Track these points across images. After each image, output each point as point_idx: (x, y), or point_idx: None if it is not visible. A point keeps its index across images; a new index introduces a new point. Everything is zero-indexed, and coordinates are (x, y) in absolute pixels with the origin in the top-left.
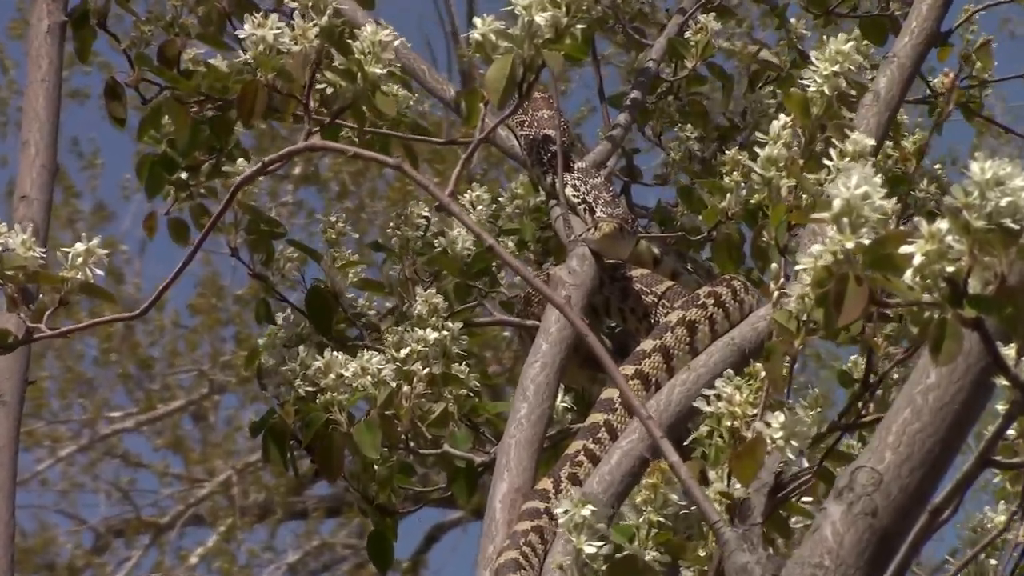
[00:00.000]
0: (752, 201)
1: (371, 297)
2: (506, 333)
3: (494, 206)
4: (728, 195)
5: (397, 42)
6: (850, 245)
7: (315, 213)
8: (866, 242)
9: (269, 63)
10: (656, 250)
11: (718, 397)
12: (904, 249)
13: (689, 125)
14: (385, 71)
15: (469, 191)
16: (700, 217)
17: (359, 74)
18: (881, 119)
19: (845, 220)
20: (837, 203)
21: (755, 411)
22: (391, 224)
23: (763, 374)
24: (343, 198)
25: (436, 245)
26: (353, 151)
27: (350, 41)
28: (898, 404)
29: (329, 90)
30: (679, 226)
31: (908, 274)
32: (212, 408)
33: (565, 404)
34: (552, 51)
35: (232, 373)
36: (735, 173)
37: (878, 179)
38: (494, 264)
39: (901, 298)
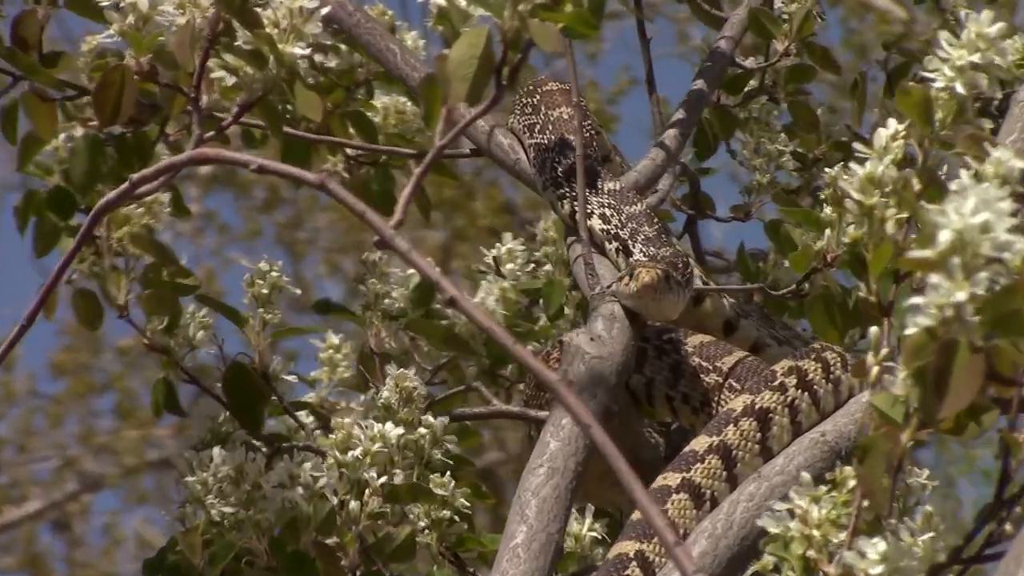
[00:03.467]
0: (847, 238)
1: (330, 377)
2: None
3: (532, 265)
4: (827, 231)
5: (326, 10)
6: (962, 297)
7: (230, 229)
8: (985, 293)
9: (142, 41)
10: (729, 310)
11: (790, 513)
12: None
13: (784, 135)
14: (308, 51)
15: (497, 245)
16: (787, 262)
17: (271, 57)
18: None
19: (955, 261)
20: (945, 237)
21: (842, 535)
22: (356, 273)
23: (852, 482)
24: (272, 208)
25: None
26: (258, 164)
27: (259, 10)
28: (1008, 562)
29: (230, 79)
30: (767, 279)
31: None
32: (81, 513)
33: (594, 534)
34: (543, 21)
35: (112, 461)
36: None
37: (1006, 205)
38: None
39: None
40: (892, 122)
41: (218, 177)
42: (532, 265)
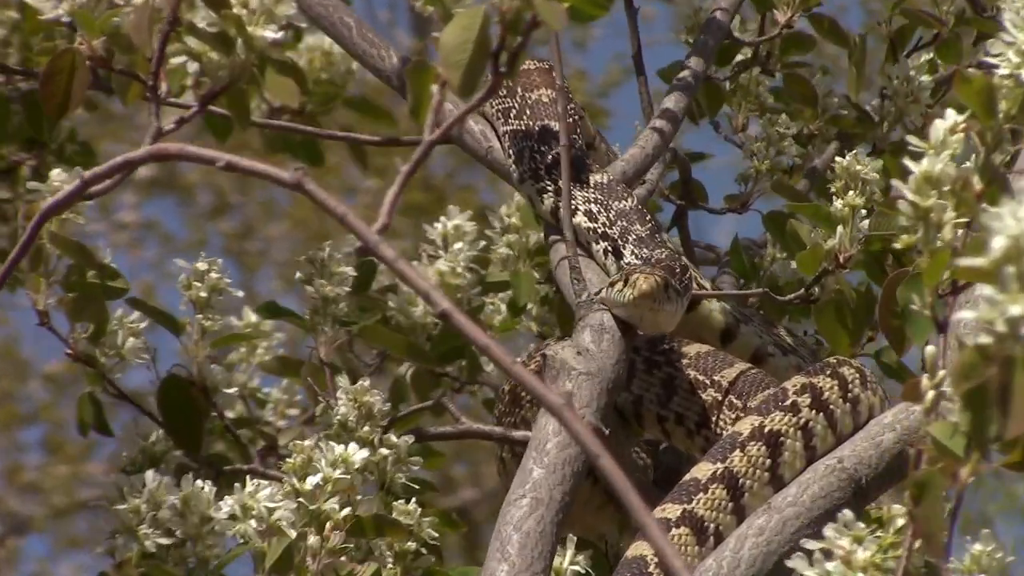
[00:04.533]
0: (900, 244)
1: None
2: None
3: (483, 243)
4: (840, 228)
5: None
6: (1017, 311)
7: (175, 239)
8: None
9: (95, 22)
10: (727, 316)
11: (826, 554)
12: None
13: (785, 116)
14: (280, 35)
15: (442, 219)
16: (794, 263)
17: (239, 40)
18: None
19: (1011, 271)
20: (999, 244)
21: None
22: (301, 273)
23: (901, 520)
24: (219, 215)
25: (388, 308)
26: (227, 160)
27: None
28: None
29: (193, 65)
30: (767, 277)
31: None
32: (7, 559)
33: (576, 568)
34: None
35: (40, 501)
36: (852, 192)
37: None
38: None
39: None
40: (951, 113)
41: (159, 180)
42: (483, 243)
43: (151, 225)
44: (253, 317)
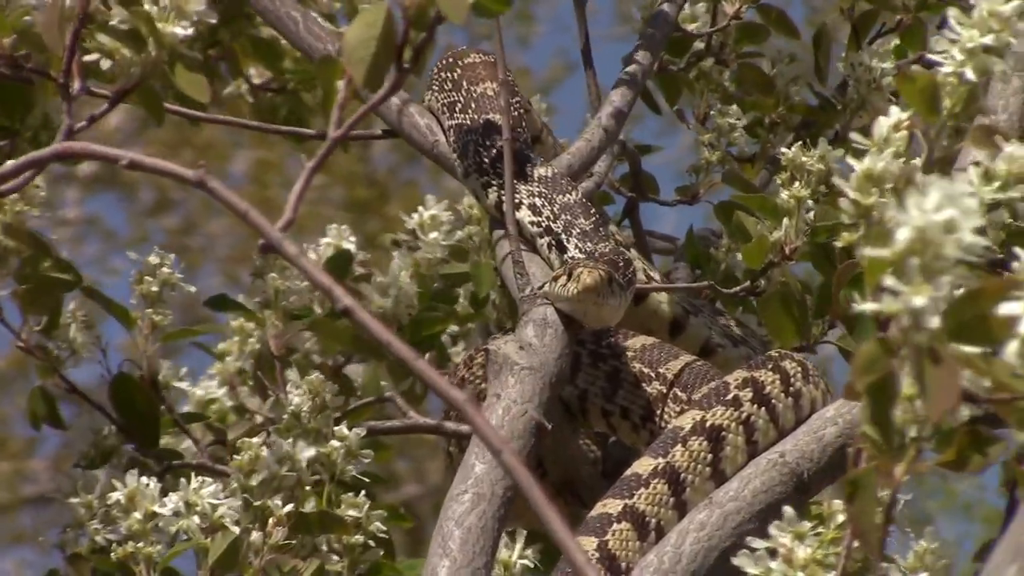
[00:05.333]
0: (841, 241)
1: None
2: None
3: (459, 235)
4: (786, 220)
5: None
6: (920, 302)
7: (117, 235)
8: (946, 296)
9: (5, 20)
10: (676, 307)
11: (770, 553)
12: (1006, 309)
13: (735, 106)
14: (190, 32)
15: (420, 209)
16: (739, 255)
17: (150, 39)
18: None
19: (914, 263)
20: (903, 235)
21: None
22: (254, 266)
23: (842, 516)
24: (161, 211)
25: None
26: (129, 159)
27: None
28: (999, 555)
29: (106, 63)
30: (723, 269)
31: (1011, 349)
32: None
33: (525, 561)
34: None
35: None
36: (797, 183)
37: (972, 201)
38: (450, 333)
39: (997, 389)
40: (895, 110)
41: (101, 176)
42: (459, 234)
43: (93, 221)
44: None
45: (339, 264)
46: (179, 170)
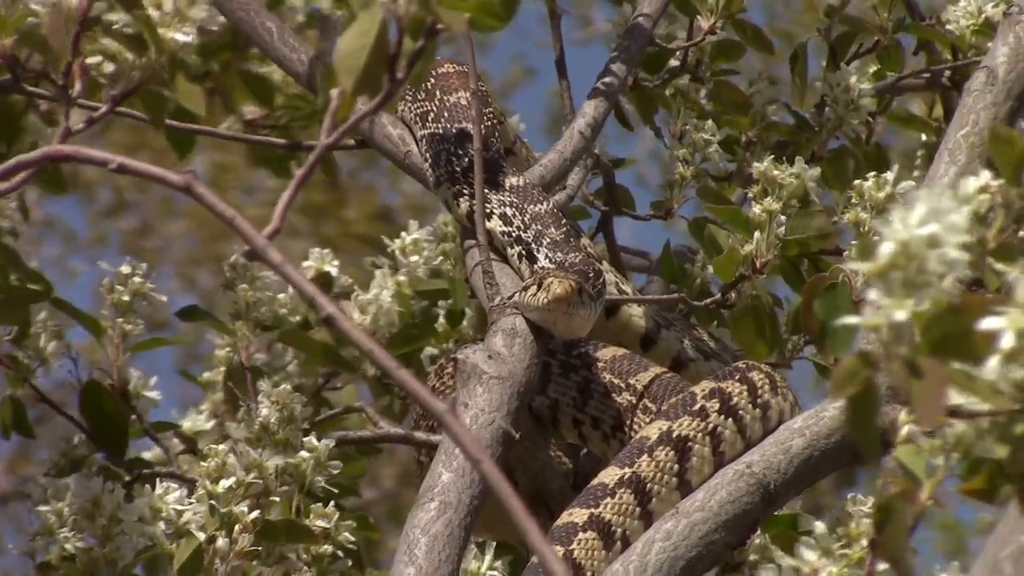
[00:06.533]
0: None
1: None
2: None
3: (440, 259)
4: (757, 233)
5: None
6: (902, 316)
7: (76, 236)
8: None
9: (8, 21)
10: (648, 320)
11: (796, 572)
12: (987, 324)
13: (711, 122)
14: (192, 38)
15: (402, 235)
16: (710, 268)
17: (151, 43)
18: (1000, 113)
19: (896, 276)
20: (887, 249)
21: None
22: (225, 277)
23: (865, 540)
24: (118, 213)
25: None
26: (118, 162)
27: None
28: (977, 570)
29: (109, 66)
30: (696, 282)
31: (991, 364)
32: None
33: (495, 573)
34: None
35: None
36: (769, 198)
37: (958, 216)
38: (429, 355)
39: (979, 403)
40: (985, 174)
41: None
42: (440, 258)
43: (52, 222)
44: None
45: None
46: (167, 175)
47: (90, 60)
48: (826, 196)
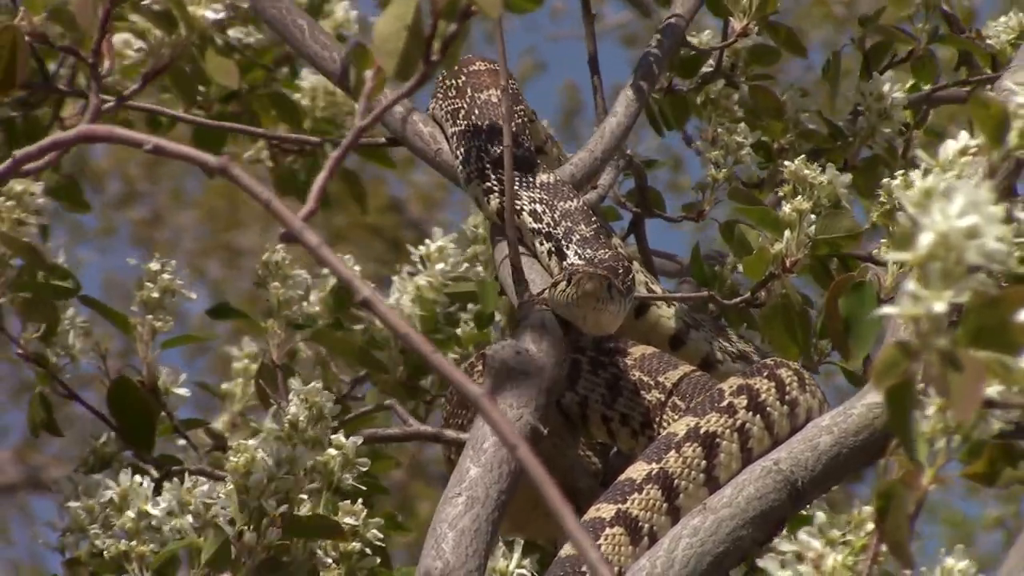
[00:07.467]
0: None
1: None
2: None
3: (465, 266)
4: (787, 232)
5: None
6: (940, 307)
7: (84, 227)
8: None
9: (39, 0)
10: (677, 321)
11: (798, 557)
12: None
13: (744, 124)
14: (222, 15)
15: (426, 243)
16: (740, 268)
17: (181, 21)
18: None
19: (935, 267)
20: (925, 240)
21: None
22: (257, 275)
23: (870, 524)
24: (129, 204)
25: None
26: (154, 143)
27: None
28: (1012, 561)
29: (136, 45)
30: (726, 285)
31: None
32: None
33: (523, 571)
34: None
35: None
36: (799, 197)
37: (996, 209)
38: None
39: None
40: (964, 135)
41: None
42: (465, 266)
43: (60, 213)
44: (253, 347)
45: (343, 294)
46: (203, 156)
47: (119, 36)
48: (857, 207)
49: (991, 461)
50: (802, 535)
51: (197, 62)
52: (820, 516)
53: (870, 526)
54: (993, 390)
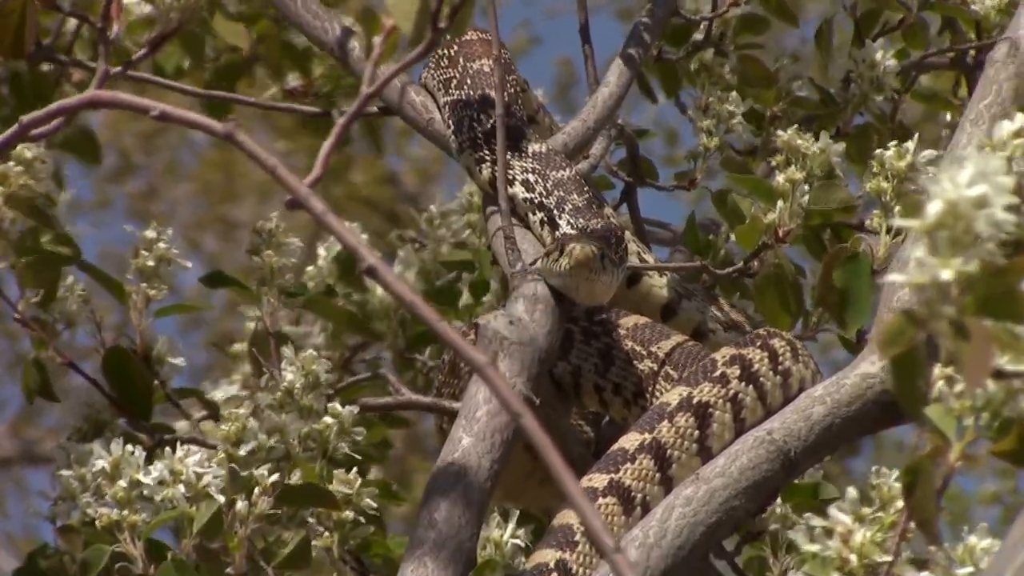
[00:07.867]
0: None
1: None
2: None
3: (468, 232)
4: (780, 202)
5: None
6: (947, 275)
7: (80, 199)
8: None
9: None
10: (669, 291)
11: (827, 533)
12: None
13: (735, 93)
14: None
15: (430, 207)
16: (734, 237)
17: None
18: (1022, 84)
19: (943, 236)
20: (934, 208)
21: (885, 558)
22: (250, 243)
23: (900, 502)
24: (124, 176)
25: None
26: (160, 109)
27: None
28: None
29: (144, 8)
30: (720, 254)
31: None
32: None
33: (517, 540)
34: None
35: None
36: (793, 167)
37: (1008, 179)
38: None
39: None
40: (1020, 116)
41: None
42: (468, 231)
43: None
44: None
45: (347, 263)
46: (210, 123)
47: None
48: (850, 175)
49: (1020, 438)
50: (832, 511)
51: (208, 24)
52: (851, 492)
53: (899, 503)
54: (1004, 360)
